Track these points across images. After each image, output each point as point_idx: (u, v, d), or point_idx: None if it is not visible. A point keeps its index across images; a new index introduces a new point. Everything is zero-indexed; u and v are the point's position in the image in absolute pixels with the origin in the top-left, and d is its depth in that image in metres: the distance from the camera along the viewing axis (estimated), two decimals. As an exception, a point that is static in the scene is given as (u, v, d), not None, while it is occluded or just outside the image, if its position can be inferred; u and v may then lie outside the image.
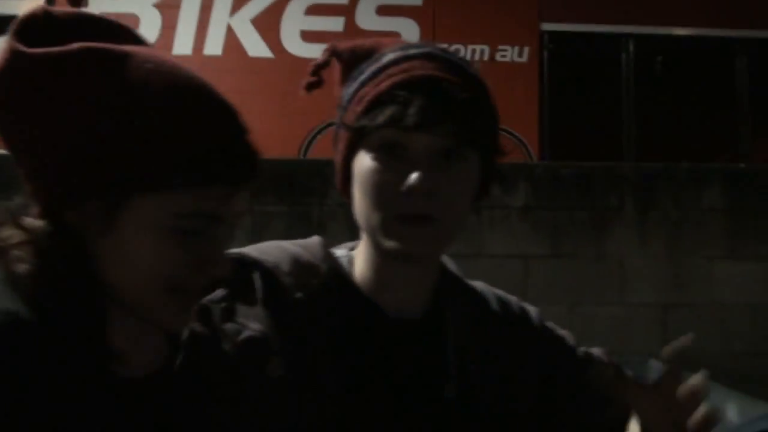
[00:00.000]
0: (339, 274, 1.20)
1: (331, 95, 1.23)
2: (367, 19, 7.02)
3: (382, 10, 7.13)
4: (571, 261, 4.63)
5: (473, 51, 7.09)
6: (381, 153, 1.11)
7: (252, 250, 1.20)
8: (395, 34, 6.69)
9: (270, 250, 1.20)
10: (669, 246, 4.78)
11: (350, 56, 1.19)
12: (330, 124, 5.00)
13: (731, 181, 4.99)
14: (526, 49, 7.33)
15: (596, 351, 1.31)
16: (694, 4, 7.65)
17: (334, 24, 6.93)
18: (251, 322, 1.12)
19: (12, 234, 0.93)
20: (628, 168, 5.10)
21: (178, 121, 0.91)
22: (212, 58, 6.61)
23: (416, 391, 1.17)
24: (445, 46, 1.21)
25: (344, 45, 1.21)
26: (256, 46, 6.86)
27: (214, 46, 6.80)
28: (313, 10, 6.96)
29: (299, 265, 1.18)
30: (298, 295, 1.15)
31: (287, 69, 6.40)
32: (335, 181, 1.21)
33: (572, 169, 4.86)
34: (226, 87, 0.97)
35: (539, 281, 4.56)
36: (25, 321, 0.89)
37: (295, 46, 6.81)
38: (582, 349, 1.32)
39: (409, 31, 6.96)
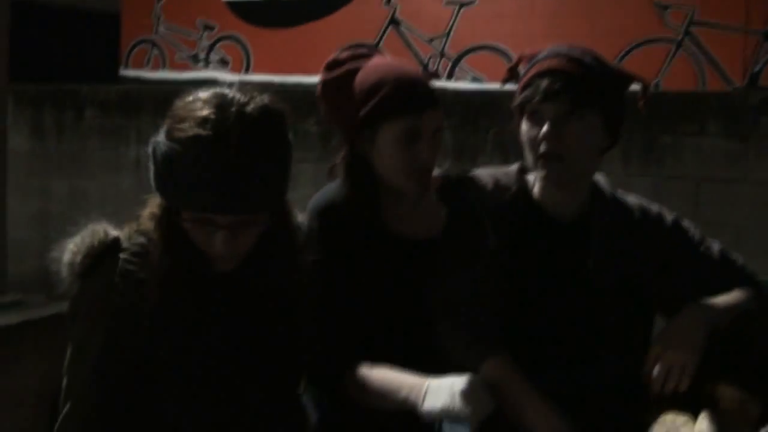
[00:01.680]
0: (524, 191, 1.88)
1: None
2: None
3: None
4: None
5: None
6: (528, 117, 1.79)
7: (476, 173, 1.93)
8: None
9: (483, 173, 1.92)
10: None
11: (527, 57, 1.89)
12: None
13: None
14: None
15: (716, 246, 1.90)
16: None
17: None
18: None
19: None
20: None
21: (385, 94, 1.83)
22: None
23: (566, 268, 1.83)
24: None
25: (526, 52, 1.90)
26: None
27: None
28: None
29: (498, 185, 1.88)
30: (493, 204, 1.85)
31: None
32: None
33: None
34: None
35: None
36: (339, 203, 1.89)
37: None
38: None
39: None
